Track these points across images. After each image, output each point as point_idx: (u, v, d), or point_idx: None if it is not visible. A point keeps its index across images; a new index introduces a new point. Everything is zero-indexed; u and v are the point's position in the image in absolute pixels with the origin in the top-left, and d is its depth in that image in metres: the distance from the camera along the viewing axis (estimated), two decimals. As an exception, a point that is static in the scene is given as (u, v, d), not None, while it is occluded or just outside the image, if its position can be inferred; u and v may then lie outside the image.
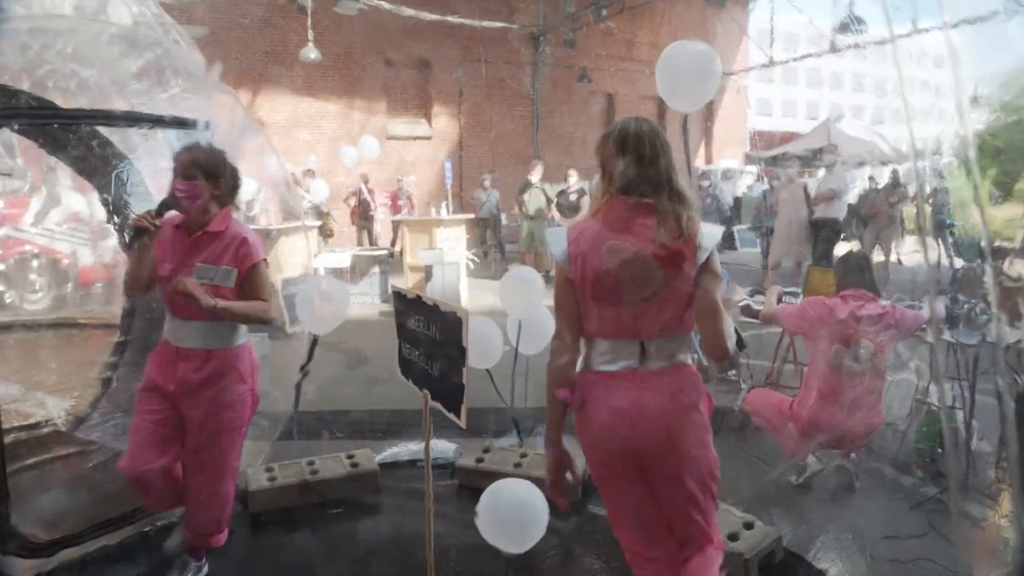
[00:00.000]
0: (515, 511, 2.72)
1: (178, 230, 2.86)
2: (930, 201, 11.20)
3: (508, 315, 4.29)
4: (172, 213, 2.81)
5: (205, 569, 3.15)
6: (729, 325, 2.13)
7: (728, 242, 16.23)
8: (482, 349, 3.63)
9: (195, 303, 2.65)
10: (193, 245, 2.83)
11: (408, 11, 14.52)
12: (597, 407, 2.15)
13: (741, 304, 5.11)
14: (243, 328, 2.93)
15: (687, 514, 2.17)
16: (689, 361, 2.19)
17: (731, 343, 2.12)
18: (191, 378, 2.80)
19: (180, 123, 3.63)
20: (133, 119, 3.60)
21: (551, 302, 2.29)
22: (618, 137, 2.17)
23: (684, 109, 3.74)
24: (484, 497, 2.76)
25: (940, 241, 10.87)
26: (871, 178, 14.09)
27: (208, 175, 2.82)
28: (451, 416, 2.30)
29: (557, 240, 2.20)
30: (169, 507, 3.17)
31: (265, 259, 2.91)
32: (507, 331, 4.17)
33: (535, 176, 11.87)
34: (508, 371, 4.35)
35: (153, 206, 2.79)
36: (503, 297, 4.32)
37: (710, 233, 2.11)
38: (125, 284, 3.19)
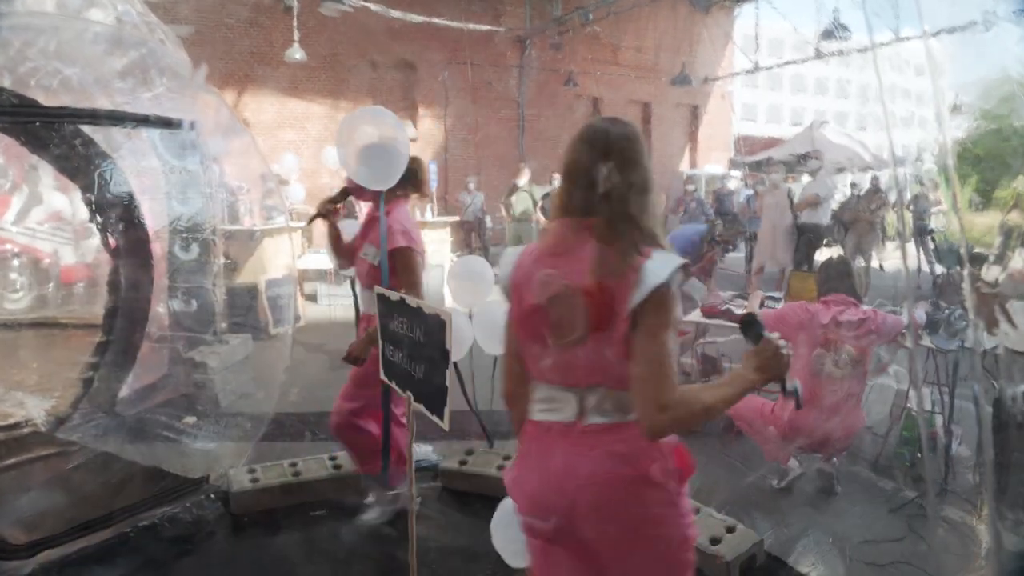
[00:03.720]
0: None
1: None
2: (910, 208, 11.27)
3: (459, 306, 4.28)
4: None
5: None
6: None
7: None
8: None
9: None
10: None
11: (395, 13, 14.51)
12: (527, 463, 1.78)
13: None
14: None
15: None
16: None
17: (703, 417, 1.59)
18: None
19: (164, 123, 3.62)
20: (117, 118, 3.58)
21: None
22: (583, 139, 1.81)
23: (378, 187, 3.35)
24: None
25: (921, 247, 10.94)
26: (853, 184, 14.19)
27: None
28: (434, 418, 2.30)
29: (504, 262, 1.84)
30: None
31: (411, 247, 3.26)
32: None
33: (522, 179, 11.94)
34: (479, 374, 4.37)
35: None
36: (451, 288, 4.34)
37: (656, 267, 1.57)
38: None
